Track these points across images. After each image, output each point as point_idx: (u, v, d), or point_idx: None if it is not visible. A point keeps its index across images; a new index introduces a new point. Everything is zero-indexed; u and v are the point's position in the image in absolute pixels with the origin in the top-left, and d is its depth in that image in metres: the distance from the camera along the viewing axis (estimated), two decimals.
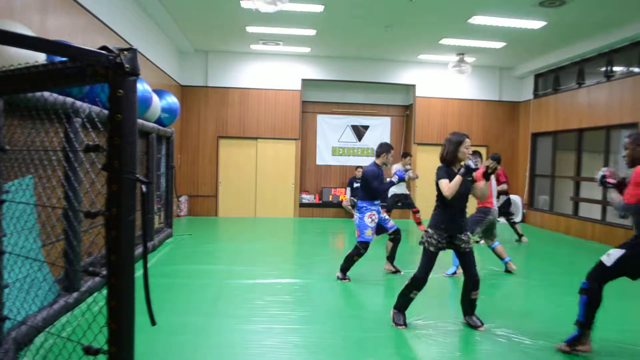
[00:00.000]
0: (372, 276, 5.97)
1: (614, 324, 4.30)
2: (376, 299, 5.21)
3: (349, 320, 4.36)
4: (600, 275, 3.48)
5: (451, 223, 4.00)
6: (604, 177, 3.66)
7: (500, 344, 3.80)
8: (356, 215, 5.68)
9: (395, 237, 5.96)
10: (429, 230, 4.04)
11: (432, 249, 3.99)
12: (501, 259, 6.27)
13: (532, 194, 11.67)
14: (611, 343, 3.85)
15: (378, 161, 5.70)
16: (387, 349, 3.70)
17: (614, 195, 3.56)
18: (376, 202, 5.66)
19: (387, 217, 5.88)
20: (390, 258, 6.11)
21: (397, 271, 6.11)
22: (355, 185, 11.52)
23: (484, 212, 6.11)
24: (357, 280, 5.80)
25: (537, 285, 5.88)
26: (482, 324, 4.14)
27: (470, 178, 4.03)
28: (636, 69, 8.44)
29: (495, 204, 6.32)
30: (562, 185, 10.59)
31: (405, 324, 4.12)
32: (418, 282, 4.05)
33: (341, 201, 11.84)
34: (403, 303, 4.17)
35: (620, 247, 3.48)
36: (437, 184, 4.02)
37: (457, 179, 3.89)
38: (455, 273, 5.99)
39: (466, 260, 4.06)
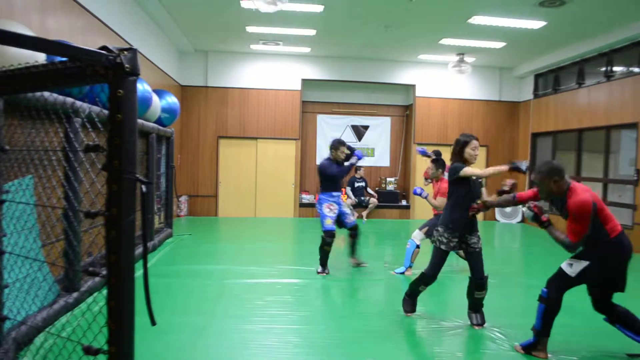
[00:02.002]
0: (371, 276, 5.98)
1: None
2: (376, 299, 5.21)
3: (348, 320, 4.36)
4: (562, 286, 3.45)
5: (461, 222, 4.00)
6: (535, 215, 3.55)
7: (499, 344, 3.80)
8: (317, 207, 5.98)
9: (352, 233, 6.13)
10: (439, 229, 4.08)
11: (443, 247, 4.03)
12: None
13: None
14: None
15: (331, 156, 5.96)
16: (387, 349, 3.70)
17: (557, 234, 3.48)
18: (334, 194, 5.90)
19: (348, 211, 6.07)
20: (352, 252, 6.27)
21: (361, 264, 6.26)
22: (357, 184, 11.53)
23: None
24: (357, 280, 5.80)
25: (537, 285, 5.86)
26: (483, 323, 4.14)
27: (480, 181, 4.05)
28: (636, 69, 8.44)
29: None
30: None
31: (410, 311, 4.29)
32: (427, 279, 4.14)
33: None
34: (412, 292, 4.33)
35: (581, 257, 3.42)
36: (452, 182, 4.00)
37: (502, 167, 3.81)
38: (404, 273, 5.99)
39: (474, 260, 4.07)
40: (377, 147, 12.52)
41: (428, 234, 5.93)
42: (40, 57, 3.03)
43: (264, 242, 8.36)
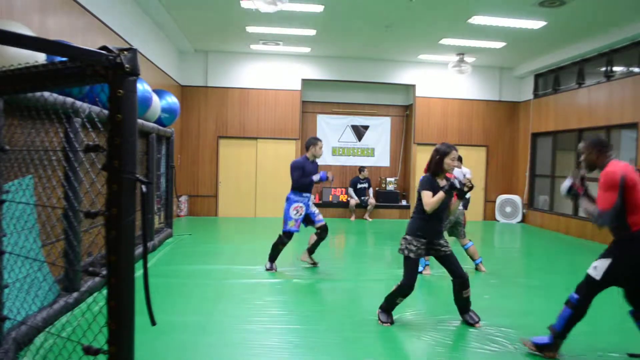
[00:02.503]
0: (371, 276, 5.98)
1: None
2: (376, 299, 5.19)
3: (348, 320, 4.36)
4: (590, 292, 3.39)
5: (429, 230, 4.05)
6: (571, 187, 3.57)
7: (499, 344, 3.80)
8: (285, 205, 5.89)
9: (321, 233, 6.02)
10: (407, 237, 4.08)
11: (412, 255, 4.04)
12: (473, 259, 6.25)
13: (532, 194, 11.67)
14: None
15: (308, 154, 5.94)
16: (386, 349, 3.70)
17: (587, 205, 3.46)
18: (305, 195, 5.83)
19: (317, 211, 6.00)
20: (310, 250, 6.21)
21: (314, 264, 6.22)
22: (360, 186, 11.55)
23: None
24: (357, 280, 5.80)
25: (537, 285, 5.89)
26: (479, 319, 4.17)
27: (451, 195, 4.04)
28: (636, 69, 8.44)
29: None
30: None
31: (391, 322, 4.20)
32: (405, 290, 4.10)
33: (342, 201, 11.85)
34: (388, 306, 4.24)
35: (603, 256, 3.37)
36: (419, 194, 4.09)
37: (440, 195, 3.93)
38: (421, 272, 5.89)
39: (449, 262, 4.09)
40: (377, 147, 12.52)
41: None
42: (40, 57, 3.03)
43: (264, 242, 8.33)
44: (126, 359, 1.60)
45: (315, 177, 5.81)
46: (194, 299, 4.83)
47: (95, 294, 4.47)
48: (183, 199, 11.10)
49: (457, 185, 3.93)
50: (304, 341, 3.78)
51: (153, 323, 1.72)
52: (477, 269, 6.24)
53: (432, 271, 6.00)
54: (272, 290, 5.21)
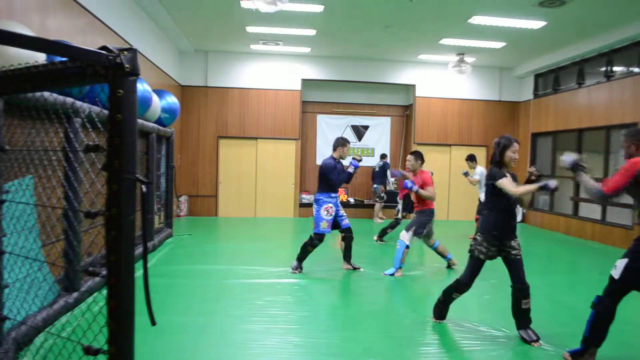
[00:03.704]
0: (371, 276, 5.97)
1: None
2: (376, 299, 5.20)
3: (348, 320, 4.36)
4: (611, 290, 3.26)
5: (503, 227, 3.85)
6: (576, 163, 3.45)
7: (499, 344, 3.80)
8: (314, 207, 5.84)
9: (347, 236, 6.01)
10: (478, 237, 3.91)
11: (482, 257, 3.87)
12: (443, 257, 6.37)
13: (532, 194, 11.64)
14: None
15: (335, 155, 5.88)
16: (387, 349, 3.70)
17: (586, 179, 3.35)
18: (333, 195, 5.81)
19: (344, 213, 5.96)
20: (347, 257, 6.17)
21: (356, 269, 6.15)
22: (377, 170, 11.36)
23: (428, 213, 6.09)
24: (357, 280, 5.79)
25: (537, 285, 5.87)
26: (538, 338, 3.82)
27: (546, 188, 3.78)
28: (636, 69, 8.44)
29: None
30: (562, 185, 10.58)
31: (439, 318, 4.22)
32: (461, 287, 4.02)
33: (342, 201, 11.83)
34: (445, 300, 4.20)
35: (624, 255, 3.27)
36: (491, 186, 3.86)
37: (532, 187, 3.74)
38: (394, 274, 5.97)
39: (515, 267, 3.86)
40: (377, 147, 12.52)
41: (417, 234, 5.95)
42: (40, 57, 3.03)
43: (264, 242, 8.36)
44: (126, 359, 1.60)
45: (351, 169, 5.81)
46: (194, 299, 4.83)
47: (95, 294, 4.47)
48: (183, 199, 11.10)
49: (552, 186, 3.68)
50: (304, 341, 3.78)
51: (153, 323, 1.72)
52: (449, 265, 6.39)
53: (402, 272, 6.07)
54: (272, 290, 5.21)
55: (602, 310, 3.25)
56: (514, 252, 3.85)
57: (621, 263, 3.24)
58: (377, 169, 11.40)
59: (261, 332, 3.94)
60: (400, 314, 4.58)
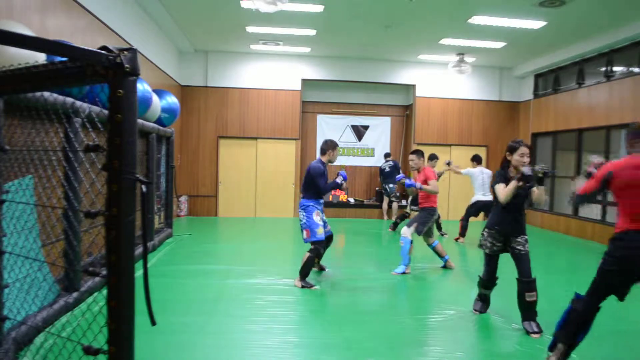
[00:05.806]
0: (371, 276, 5.97)
1: None
2: (376, 299, 5.20)
3: (348, 320, 4.36)
4: (591, 289, 3.16)
5: (507, 224, 4.04)
6: (542, 169, 3.60)
7: (498, 344, 3.80)
8: (302, 214, 5.44)
9: (327, 243, 5.71)
10: (485, 232, 4.14)
11: (487, 251, 4.11)
12: (441, 257, 6.36)
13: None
14: None
15: (323, 158, 5.53)
16: (387, 349, 3.70)
17: (576, 184, 3.32)
18: (321, 201, 5.53)
19: (325, 219, 5.65)
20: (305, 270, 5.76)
21: (322, 269, 6.04)
22: (388, 170, 11.20)
23: (430, 212, 6.13)
24: (356, 280, 5.79)
25: (537, 285, 5.87)
26: (540, 330, 3.92)
27: (529, 185, 3.88)
28: (636, 69, 8.44)
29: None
30: (562, 185, 10.59)
31: (480, 311, 4.44)
32: (484, 283, 4.28)
33: (342, 201, 11.86)
34: (479, 296, 4.47)
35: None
36: (493, 188, 4.12)
37: (512, 185, 3.89)
38: (405, 272, 6.00)
39: (520, 261, 3.99)
40: (377, 147, 12.51)
41: (418, 231, 5.98)
42: (40, 57, 3.03)
43: (264, 242, 8.36)
44: (126, 359, 1.60)
45: (339, 179, 5.49)
46: (194, 299, 4.83)
47: (95, 294, 4.47)
48: (183, 199, 11.10)
49: (528, 172, 3.75)
50: (304, 341, 3.78)
51: (153, 323, 1.72)
52: (446, 266, 6.40)
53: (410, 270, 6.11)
54: (272, 290, 5.20)
55: (578, 307, 3.16)
56: (519, 247, 4.02)
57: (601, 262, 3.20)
58: (387, 169, 11.21)
59: (261, 332, 3.94)
60: (400, 313, 4.58)
